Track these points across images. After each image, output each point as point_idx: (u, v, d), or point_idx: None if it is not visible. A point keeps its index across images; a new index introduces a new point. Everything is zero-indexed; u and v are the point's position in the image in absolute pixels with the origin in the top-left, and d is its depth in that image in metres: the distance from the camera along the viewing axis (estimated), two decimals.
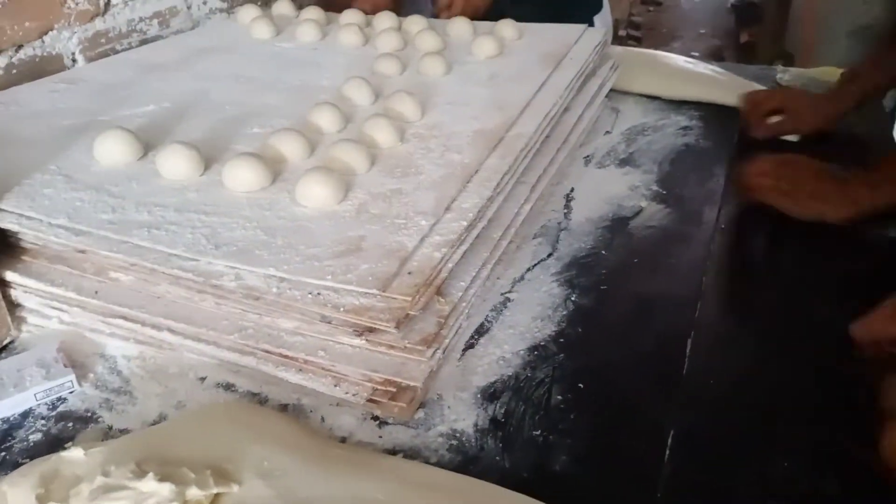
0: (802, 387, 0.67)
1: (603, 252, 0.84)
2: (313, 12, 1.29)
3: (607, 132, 1.15)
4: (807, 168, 0.92)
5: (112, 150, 0.77)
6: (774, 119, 1.13)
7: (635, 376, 0.67)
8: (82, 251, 0.68)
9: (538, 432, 0.60)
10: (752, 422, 0.62)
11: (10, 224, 0.69)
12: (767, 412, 0.64)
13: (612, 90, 1.21)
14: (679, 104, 1.24)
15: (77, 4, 1.12)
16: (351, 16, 1.26)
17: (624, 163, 1.05)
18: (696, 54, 4.76)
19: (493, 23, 1.22)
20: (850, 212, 0.87)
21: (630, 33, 5.11)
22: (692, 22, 5.98)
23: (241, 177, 0.72)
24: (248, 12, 1.27)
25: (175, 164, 0.74)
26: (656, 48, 1.61)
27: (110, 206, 0.70)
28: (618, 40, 1.39)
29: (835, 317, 0.69)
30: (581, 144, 1.07)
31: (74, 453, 0.52)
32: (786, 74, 1.39)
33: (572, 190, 0.97)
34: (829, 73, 1.38)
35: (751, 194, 0.92)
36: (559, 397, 0.64)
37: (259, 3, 1.40)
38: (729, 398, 0.65)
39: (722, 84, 1.28)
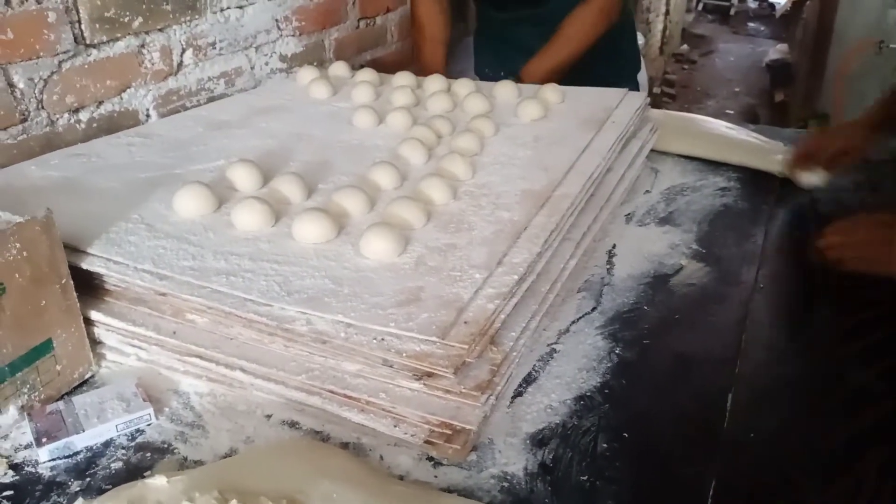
0: (841, 443, 0.69)
1: (645, 308, 0.88)
2: (367, 74, 1.37)
3: (647, 191, 1.19)
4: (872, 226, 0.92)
5: (190, 203, 0.84)
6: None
7: (678, 428, 0.70)
8: (163, 294, 0.74)
9: (585, 478, 0.63)
10: (790, 476, 0.65)
11: (98, 267, 0.76)
12: (806, 467, 0.66)
13: (650, 151, 1.26)
14: (717, 166, 1.28)
15: (153, 65, 1.21)
16: (403, 78, 1.34)
17: (664, 221, 1.09)
18: (731, 112, 4.82)
19: (537, 86, 1.29)
20: None
21: (664, 90, 5.20)
22: (726, 81, 6.07)
23: (310, 230, 0.78)
24: (307, 74, 1.36)
25: (249, 217, 0.80)
26: (690, 106, 1.67)
27: (190, 253, 0.76)
28: (652, 97, 1.45)
29: (871, 376, 0.72)
30: (622, 203, 1.12)
31: (158, 481, 0.57)
32: None
33: (614, 246, 1.01)
34: None
35: (837, 266, 0.91)
36: (605, 445, 0.67)
37: (315, 64, 1.49)
38: (769, 453, 0.68)
39: (760, 150, 1.32)
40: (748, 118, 4.37)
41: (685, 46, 6.72)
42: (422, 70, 1.59)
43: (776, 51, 5.98)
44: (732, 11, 8.35)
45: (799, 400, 0.75)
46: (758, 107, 5.06)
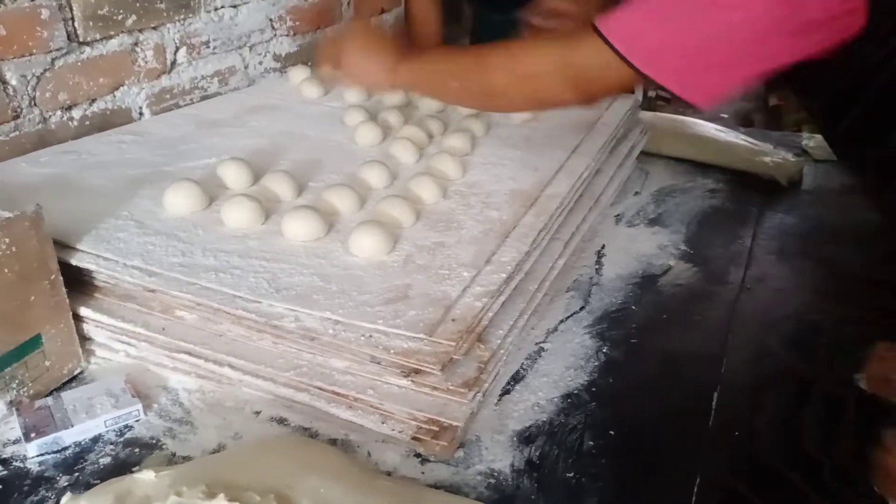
0: (826, 441, 0.70)
1: (633, 307, 0.88)
2: None
3: (637, 193, 1.20)
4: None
5: (181, 200, 0.84)
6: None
7: (664, 426, 0.70)
8: (152, 290, 0.74)
9: (571, 475, 0.64)
10: (775, 474, 0.65)
11: (87, 264, 0.76)
12: (790, 465, 0.67)
13: (641, 153, 1.27)
14: (706, 168, 1.29)
15: (146, 63, 1.22)
16: None
17: (653, 222, 1.10)
18: (725, 116, 4.83)
19: None
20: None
21: (659, 94, 5.20)
22: None
23: (299, 228, 0.79)
24: (299, 73, 1.36)
25: (238, 214, 0.81)
26: (685, 110, 1.67)
27: (180, 250, 0.77)
28: (646, 101, 1.46)
29: (856, 376, 0.73)
30: (612, 204, 1.12)
31: (146, 475, 0.57)
32: (811, 141, 1.44)
33: (603, 247, 1.02)
34: None
35: None
36: (591, 443, 0.67)
37: (309, 64, 1.49)
38: (753, 451, 0.69)
39: (748, 153, 1.33)
40: (742, 122, 4.38)
41: None
42: None
43: None
44: None
45: (784, 398, 0.75)
46: (752, 111, 5.07)
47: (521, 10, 1.63)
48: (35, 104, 1.06)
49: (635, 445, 0.68)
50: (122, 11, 1.15)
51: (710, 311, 0.89)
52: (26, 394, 0.70)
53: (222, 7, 1.33)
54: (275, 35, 1.48)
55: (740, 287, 0.94)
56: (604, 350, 0.80)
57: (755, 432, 0.70)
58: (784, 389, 0.77)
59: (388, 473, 0.63)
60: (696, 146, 1.33)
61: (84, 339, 0.77)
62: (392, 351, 0.65)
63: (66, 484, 0.62)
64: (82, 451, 0.66)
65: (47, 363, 0.71)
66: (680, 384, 0.76)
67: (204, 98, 1.33)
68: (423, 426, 0.65)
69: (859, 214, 1.11)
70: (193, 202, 0.84)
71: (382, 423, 0.66)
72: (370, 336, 0.66)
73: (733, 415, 0.72)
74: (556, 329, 0.84)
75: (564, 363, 0.78)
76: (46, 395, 0.71)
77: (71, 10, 1.07)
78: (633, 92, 1.22)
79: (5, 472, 0.63)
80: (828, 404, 0.74)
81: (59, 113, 1.10)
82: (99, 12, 1.11)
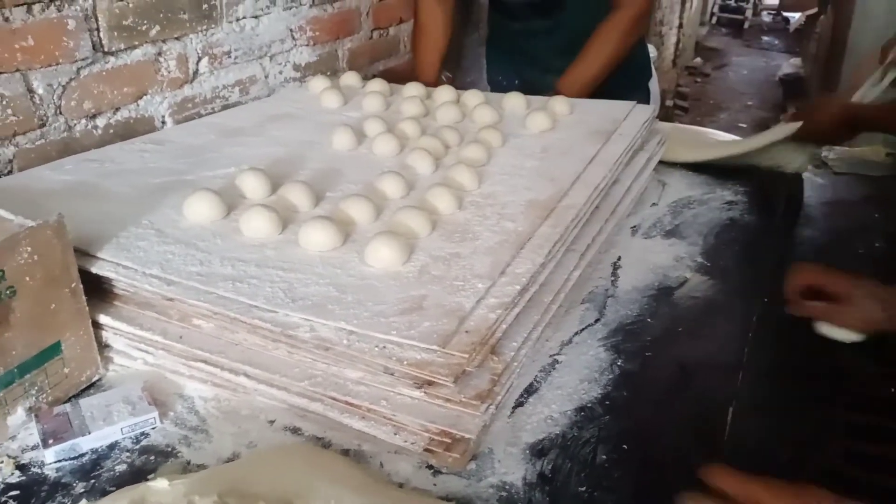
0: (844, 456, 0.69)
1: (648, 320, 0.88)
2: (378, 84, 1.38)
3: (654, 204, 1.20)
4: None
5: (200, 210, 0.85)
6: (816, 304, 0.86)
7: (678, 440, 0.70)
8: (170, 299, 0.75)
9: (583, 488, 0.64)
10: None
11: (108, 272, 0.77)
12: (807, 481, 0.66)
13: (658, 163, 1.26)
14: (724, 180, 1.28)
15: (169, 73, 1.23)
16: (413, 88, 1.35)
17: (670, 234, 1.09)
18: (744, 125, 4.81)
19: (546, 98, 1.30)
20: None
21: (677, 103, 5.19)
22: (739, 94, 6.06)
23: (316, 238, 0.79)
24: (319, 83, 1.38)
25: (256, 224, 0.81)
26: (703, 119, 1.67)
27: (198, 259, 0.77)
28: (664, 110, 1.46)
29: (876, 387, 0.72)
30: (628, 215, 1.12)
31: (160, 483, 0.58)
32: (831, 153, 1.43)
33: (619, 258, 1.02)
34: (877, 153, 1.42)
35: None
36: (604, 456, 0.67)
37: (329, 74, 1.51)
38: (769, 466, 0.68)
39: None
40: (761, 132, 4.36)
41: (698, 59, 6.72)
42: (416, 77, 1.58)
43: (790, 65, 5.97)
44: (746, 25, 8.35)
45: (801, 413, 0.75)
46: (770, 120, 5.04)
47: (534, 20, 1.64)
48: (60, 113, 1.08)
49: (649, 459, 0.67)
50: (146, 22, 1.16)
51: (727, 324, 0.88)
52: (45, 400, 0.71)
53: (244, 17, 1.35)
54: (295, 45, 1.50)
55: (757, 300, 0.93)
56: (618, 363, 0.80)
57: (771, 447, 0.70)
58: (801, 404, 0.76)
59: (401, 485, 0.64)
60: (720, 147, 1.32)
61: (103, 346, 0.78)
62: (405, 362, 0.65)
63: (82, 490, 0.63)
64: (99, 458, 0.67)
65: (66, 370, 0.72)
66: (695, 398, 0.76)
67: (225, 107, 1.34)
68: (436, 438, 0.65)
69: (878, 227, 1.10)
70: (213, 211, 0.86)
71: (395, 434, 0.66)
72: (384, 347, 0.66)
73: (749, 429, 0.72)
74: (570, 341, 0.83)
75: (578, 376, 0.78)
76: (65, 402, 0.72)
77: (96, 20, 1.09)
78: None
79: (23, 478, 0.64)
80: (848, 419, 0.73)
81: (83, 121, 1.12)
82: (123, 23, 1.13)
